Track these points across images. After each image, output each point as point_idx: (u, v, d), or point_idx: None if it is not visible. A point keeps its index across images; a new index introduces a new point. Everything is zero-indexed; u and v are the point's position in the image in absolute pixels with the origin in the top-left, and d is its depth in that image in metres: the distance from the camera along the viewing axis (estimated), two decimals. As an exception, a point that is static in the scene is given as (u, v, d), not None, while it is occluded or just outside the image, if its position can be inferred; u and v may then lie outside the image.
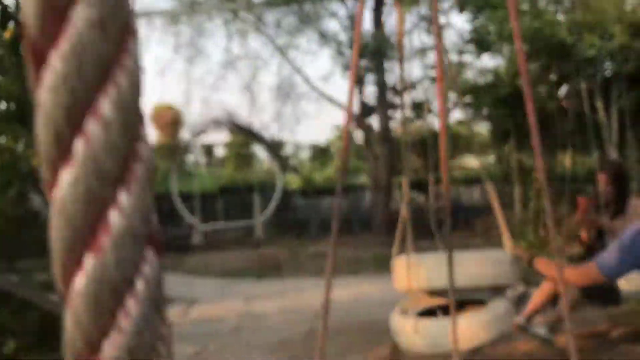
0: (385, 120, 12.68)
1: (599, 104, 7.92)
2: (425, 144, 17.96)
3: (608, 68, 8.05)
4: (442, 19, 12.76)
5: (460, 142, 17.47)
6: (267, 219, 14.02)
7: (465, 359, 3.62)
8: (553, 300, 3.90)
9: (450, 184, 13.31)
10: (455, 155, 15.50)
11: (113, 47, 0.33)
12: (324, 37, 13.47)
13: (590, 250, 4.11)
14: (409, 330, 2.98)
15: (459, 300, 3.46)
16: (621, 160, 7.30)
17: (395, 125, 13.47)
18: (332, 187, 17.45)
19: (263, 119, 15.33)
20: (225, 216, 14.90)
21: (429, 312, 3.37)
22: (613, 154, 7.60)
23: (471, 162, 19.78)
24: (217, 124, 13.36)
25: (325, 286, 1.85)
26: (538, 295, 3.83)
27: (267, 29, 13.86)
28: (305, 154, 16.59)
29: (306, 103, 25.48)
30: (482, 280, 3.05)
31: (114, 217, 0.33)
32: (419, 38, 12.44)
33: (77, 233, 0.33)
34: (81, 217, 0.32)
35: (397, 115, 13.82)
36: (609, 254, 2.94)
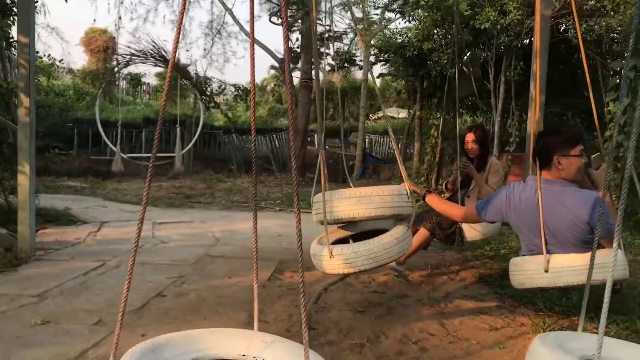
0: (308, 68, 13.19)
1: (490, 74, 8.76)
2: (345, 94, 18.61)
3: (502, 41, 8.85)
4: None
5: (376, 96, 18.23)
6: (188, 153, 14.41)
7: (326, 287, 4.44)
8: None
9: (366, 134, 14.08)
10: (372, 107, 16.24)
11: None
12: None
13: (455, 195, 5.04)
14: (326, 255, 3.35)
15: (365, 231, 4.12)
16: (484, 124, 8.22)
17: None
18: (261, 127, 17.95)
19: (192, 55, 15.49)
20: (148, 147, 15.19)
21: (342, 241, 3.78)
22: (496, 118, 8.51)
23: (390, 114, 20.72)
24: (145, 55, 13.46)
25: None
26: (416, 239, 4.67)
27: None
28: (231, 94, 16.88)
29: (236, 43, 25.28)
30: (386, 211, 3.45)
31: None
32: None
33: None
34: None
35: (322, 64, 14.34)
36: (486, 202, 3.59)
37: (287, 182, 13.33)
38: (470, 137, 5.03)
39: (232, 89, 16.48)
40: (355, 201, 3.43)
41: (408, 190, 3.52)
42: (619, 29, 7.94)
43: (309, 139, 16.22)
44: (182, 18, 1.84)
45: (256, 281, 2.10)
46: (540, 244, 3.18)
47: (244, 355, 1.90)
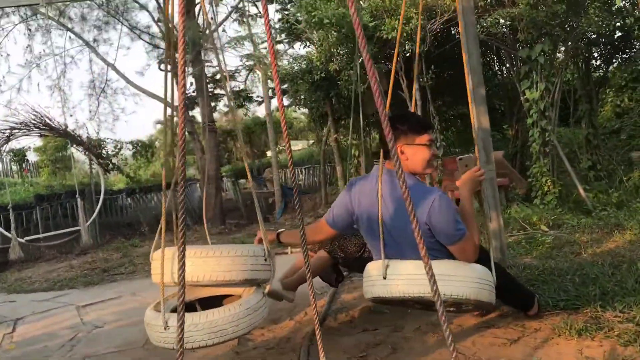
0: (208, 111, 12.64)
1: (403, 83, 8.67)
2: (251, 132, 18.17)
3: (408, 49, 8.84)
4: (252, 9, 13.01)
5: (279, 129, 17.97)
6: (93, 223, 13.30)
7: (311, 338, 3.87)
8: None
9: (278, 168, 13.65)
10: (279, 140, 15.90)
11: None
12: (134, 31, 13.01)
13: None
14: (160, 325, 2.90)
15: (217, 295, 3.59)
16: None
17: (218, 115, 13.52)
18: (159, 183, 17.05)
19: (78, 118, 14.48)
20: (45, 225, 13.88)
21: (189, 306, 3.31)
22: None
23: (295, 146, 20.54)
24: (27, 126, 12.31)
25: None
26: (295, 264, 4.08)
27: (72, 24, 13.03)
28: (127, 152, 15.95)
29: (124, 99, 24.36)
30: (237, 275, 3.01)
31: None
32: (232, 28, 12.56)
33: None
34: None
35: (219, 105, 13.89)
36: (332, 207, 3.31)
37: (209, 233, 12.54)
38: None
39: (130, 146, 15.52)
40: (200, 262, 2.96)
41: (266, 251, 3.08)
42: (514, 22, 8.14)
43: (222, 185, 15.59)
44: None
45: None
46: (380, 246, 2.81)
47: None
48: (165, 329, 2.86)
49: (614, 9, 7.32)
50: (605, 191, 7.88)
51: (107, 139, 14.92)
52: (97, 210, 12.80)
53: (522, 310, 3.55)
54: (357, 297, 4.75)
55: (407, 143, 2.93)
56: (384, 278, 2.76)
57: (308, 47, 10.25)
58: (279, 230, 3.49)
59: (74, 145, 13.16)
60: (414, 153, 2.93)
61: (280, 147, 19.36)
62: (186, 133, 2.54)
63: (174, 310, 3.15)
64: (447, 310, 3.07)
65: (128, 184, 15.71)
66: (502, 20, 7.66)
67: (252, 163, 16.51)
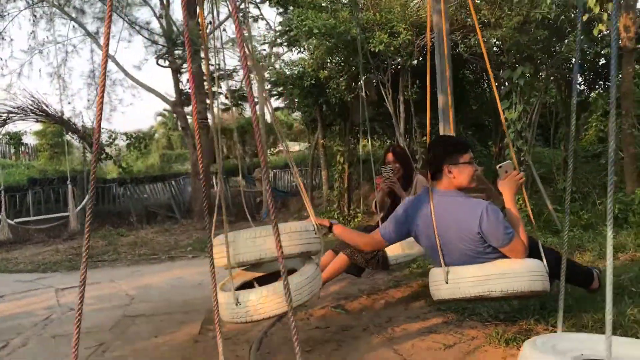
0: (203, 108, 12.87)
1: (388, 95, 8.92)
2: (244, 132, 18.39)
3: (396, 62, 9.08)
4: (253, 11, 13.24)
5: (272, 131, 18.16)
6: (82, 210, 13.51)
7: (266, 331, 4.13)
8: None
9: (269, 168, 13.88)
10: (273, 141, 16.14)
11: None
12: (134, 26, 13.26)
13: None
14: (231, 302, 3.10)
15: (274, 272, 3.87)
16: (403, 144, 8.38)
17: (213, 113, 13.71)
18: (152, 175, 17.26)
19: (76, 106, 14.67)
20: (37, 209, 14.09)
21: (249, 285, 3.56)
22: (400, 139, 8.66)
23: (292, 147, 20.75)
24: (24, 111, 12.52)
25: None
26: (332, 266, 4.50)
27: (76, 14, 13.28)
28: (122, 143, 16.14)
29: (122, 90, 24.44)
30: (292, 249, 3.24)
31: None
32: (231, 28, 12.79)
33: None
34: None
35: (215, 103, 14.06)
36: (388, 223, 3.53)
37: (194, 228, 12.79)
38: (390, 156, 4.95)
39: (124, 137, 15.71)
40: (261, 241, 3.20)
41: (315, 226, 3.36)
42: (498, 42, 8.39)
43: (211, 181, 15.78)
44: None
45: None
46: (439, 256, 3.14)
47: None
48: (236, 304, 3.08)
49: (590, 36, 7.56)
50: (576, 213, 8.11)
51: (102, 128, 15.09)
52: (87, 197, 12.99)
53: (584, 287, 3.74)
54: (325, 296, 5.01)
55: (452, 163, 3.23)
56: (447, 282, 3.11)
57: (303, 52, 10.49)
58: (334, 221, 3.72)
59: (69, 133, 13.38)
60: (460, 171, 3.22)
61: (273, 150, 19.62)
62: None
63: (238, 289, 3.34)
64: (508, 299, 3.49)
65: (120, 174, 15.90)
66: (487, 41, 7.89)
67: (243, 162, 16.72)
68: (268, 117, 13.47)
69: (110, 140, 15.04)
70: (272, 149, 19.90)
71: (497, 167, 3.33)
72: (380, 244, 3.62)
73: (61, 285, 6.83)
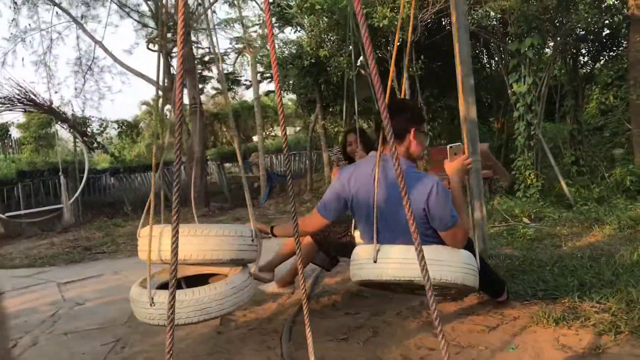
0: (195, 94, 12.56)
1: (393, 72, 8.65)
2: (237, 116, 18.09)
3: (399, 38, 8.82)
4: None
5: (269, 113, 17.89)
6: (76, 202, 13.20)
7: (293, 319, 3.91)
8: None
9: (263, 153, 13.64)
10: (265, 125, 15.87)
11: None
12: (124, 8, 12.85)
13: None
14: (145, 301, 2.91)
15: (203, 274, 3.63)
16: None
17: (205, 98, 13.44)
18: (144, 164, 16.93)
19: (63, 95, 14.32)
20: (26, 202, 13.76)
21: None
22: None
23: (279, 132, 20.48)
24: (11, 101, 12.11)
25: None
26: (279, 253, 4.17)
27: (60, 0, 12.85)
28: (113, 132, 15.80)
29: (111, 77, 24.04)
30: (221, 255, 3.02)
31: None
32: (222, 9, 12.46)
33: None
34: None
35: (207, 88, 13.79)
36: (325, 197, 3.25)
37: (192, 216, 12.50)
38: (351, 137, 4.96)
39: (115, 125, 15.36)
40: (186, 240, 2.94)
41: (253, 232, 3.09)
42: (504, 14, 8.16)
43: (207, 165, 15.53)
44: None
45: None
46: (372, 230, 2.86)
47: None
48: (151, 305, 2.88)
49: (603, 5, 7.38)
50: (587, 186, 7.99)
51: (92, 117, 14.77)
52: (80, 188, 12.70)
53: (493, 297, 3.62)
54: (340, 282, 4.80)
55: (418, 129, 2.97)
56: (375, 262, 2.79)
57: (299, 32, 10.19)
58: (272, 225, 3.48)
59: (59, 123, 13.01)
60: (422, 140, 2.99)
61: (267, 133, 19.35)
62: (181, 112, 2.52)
63: (159, 287, 3.16)
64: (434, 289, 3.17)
65: (112, 163, 15.58)
66: (492, 13, 7.68)
67: (238, 147, 16.46)
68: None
69: (102, 129, 14.70)
70: (265, 132, 19.67)
71: (448, 147, 3.10)
72: (321, 222, 3.30)
73: (62, 279, 6.56)
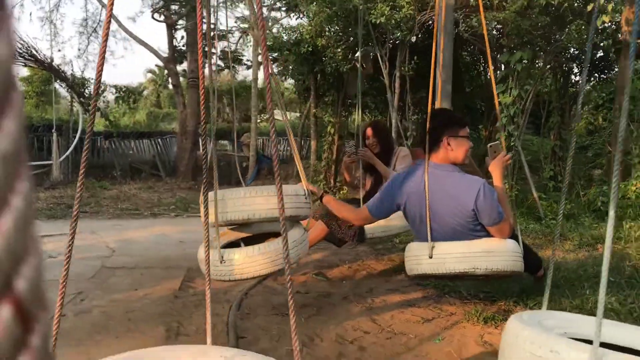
0: (195, 67, 12.69)
1: (385, 69, 8.84)
2: (235, 95, 18.21)
3: (395, 37, 8.98)
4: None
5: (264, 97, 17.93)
6: (66, 161, 13.36)
7: (247, 291, 4.14)
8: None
9: (258, 135, 13.84)
10: (263, 108, 15.98)
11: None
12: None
13: (370, 196, 4.90)
14: (216, 260, 3.13)
15: (262, 233, 3.90)
16: (396, 119, 8.35)
17: (205, 73, 13.55)
18: (138, 131, 17.07)
19: (66, 54, 14.42)
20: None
21: (234, 245, 3.65)
22: (393, 114, 8.62)
23: (278, 115, 20.55)
24: (11, 55, 12.19)
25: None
26: (311, 234, 4.53)
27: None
28: (110, 96, 15.90)
29: (114, 42, 24.06)
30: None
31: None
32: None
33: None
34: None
35: (211, 61, 13.88)
36: (375, 199, 3.56)
37: (178, 187, 12.71)
38: (369, 132, 4.99)
39: (113, 90, 15.49)
40: (250, 201, 3.23)
41: (306, 191, 3.39)
42: (499, 25, 8.33)
43: (200, 140, 15.66)
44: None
45: (208, 286, 1.78)
46: (425, 230, 3.16)
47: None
48: (221, 262, 3.11)
49: (591, 27, 7.53)
50: (560, 202, 8.19)
51: (91, 79, 14.87)
52: (71, 147, 12.85)
53: (532, 273, 3.82)
54: (307, 263, 5.03)
55: (452, 135, 3.19)
56: (430, 257, 3.10)
57: (302, 18, 10.33)
58: (324, 191, 3.72)
59: (57, 81, 13.14)
60: (459, 144, 3.21)
61: (264, 116, 19.48)
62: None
63: (224, 247, 3.38)
64: (480, 279, 3.62)
65: (107, 127, 15.70)
66: (490, 23, 7.84)
67: (232, 126, 16.60)
68: (260, 82, 13.35)
69: (99, 92, 14.79)
70: (262, 115, 19.77)
71: (488, 146, 3.35)
72: (368, 219, 3.60)
73: (41, 233, 6.74)
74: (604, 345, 1.82)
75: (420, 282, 4.33)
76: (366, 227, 4.53)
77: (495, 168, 3.25)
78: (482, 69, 11.20)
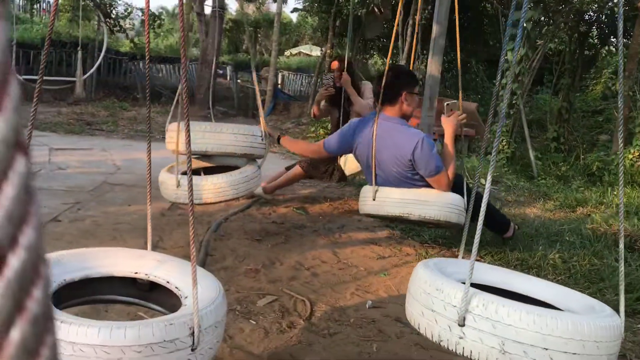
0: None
1: (399, 15, 8.86)
2: (259, 27, 18.22)
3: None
4: None
5: (292, 31, 17.96)
6: (90, 79, 13.73)
7: (227, 217, 4.53)
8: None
9: (278, 70, 13.98)
10: (286, 42, 16.09)
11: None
12: None
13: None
14: (172, 184, 3.54)
15: (220, 165, 4.27)
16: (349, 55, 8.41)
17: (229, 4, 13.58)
18: (162, 56, 17.32)
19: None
20: (49, 70, 14.27)
21: (194, 172, 4.08)
22: (402, 61, 8.74)
23: (303, 51, 20.52)
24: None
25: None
26: (286, 175, 4.99)
27: None
28: (137, 19, 16.05)
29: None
30: (237, 149, 3.68)
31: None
32: None
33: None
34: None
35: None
36: (334, 136, 3.90)
37: (194, 114, 13.06)
38: (334, 64, 5.25)
39: (140, 13, 15.66)
40: (209, 135, 3.64)
41: (263, 132, 3.74)
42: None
43: (220, 71, 15.91)
44: None
45: (149, 202, 2.12)
46: (372, 174, 3.53)
47: (136, 272, 1.96)
48: (177, 187, 3.53)
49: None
50: (557, 163, 8.38)
51: (120, 0, 15.09)
52: (95, 65, 13.18)
53: (498, 234, 4.16)
54: (293, 198, 5.38)
55: (409, 91, 3.55)
56: (374, 200, 3.46)
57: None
58: (281, 134, 4.09)
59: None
60: (413, 100, 3.59)
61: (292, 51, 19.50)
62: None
63: (183, 174, 3.76)
64: (428, 226, 4.06)
65: (133, 49, 15.96)
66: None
67: (253, 59, 16.76)
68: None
69: (126, 13, 15.00)
70: (290, 51, 19.80)
71: (445, 104, 3.62)
72: (320, 153, 3.98)
73: (55, 145, 7.21)
74: (496, 289, 2.16)
75: (390, 224, 4.67)
76: (348, 172, 4.97)
77: (448, 126, 3.53)
78: (504, 22, 11.11)
